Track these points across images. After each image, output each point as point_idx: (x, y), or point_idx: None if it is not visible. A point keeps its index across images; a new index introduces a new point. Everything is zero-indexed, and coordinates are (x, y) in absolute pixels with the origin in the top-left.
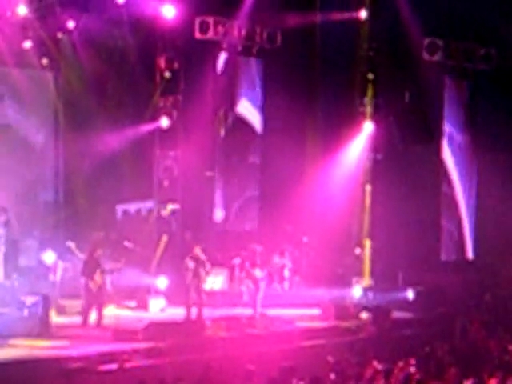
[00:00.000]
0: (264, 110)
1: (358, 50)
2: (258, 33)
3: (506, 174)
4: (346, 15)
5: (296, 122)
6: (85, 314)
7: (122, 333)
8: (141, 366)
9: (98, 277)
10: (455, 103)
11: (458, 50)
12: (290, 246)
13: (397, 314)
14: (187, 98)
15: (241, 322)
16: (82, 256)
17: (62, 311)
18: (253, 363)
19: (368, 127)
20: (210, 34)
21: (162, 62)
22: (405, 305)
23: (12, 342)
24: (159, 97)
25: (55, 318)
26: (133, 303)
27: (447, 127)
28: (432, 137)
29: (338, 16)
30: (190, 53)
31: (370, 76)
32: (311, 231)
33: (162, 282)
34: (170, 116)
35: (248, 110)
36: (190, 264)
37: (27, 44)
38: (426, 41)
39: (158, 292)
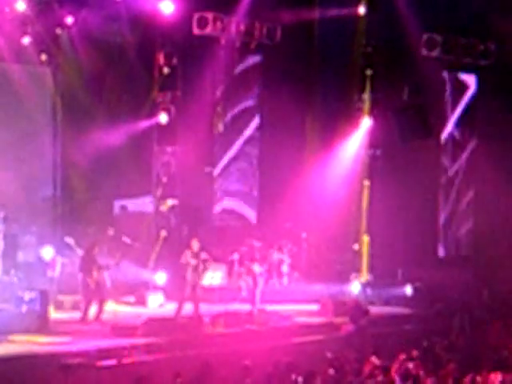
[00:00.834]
0: (262, 105)
1: (356, 46)
2: (257, 29)
3: (505, 169)
4: (345, 11)
5: (294, 118)
6: (84, 310)
7: (120, 328)
8: (139, 362)
9: (95, 273)
10: (454, 99)
11: (457, 45)
12: (288, 241)
13: (395, 310)
14: (186, 93)
15: (239, 318)
16: (80, 252)
17: (60, 307)
18: (251, 359)
19: (366, 123)
20: (209, 30)
21: (160, 58)
22: (403, 301)
23: (10, 337)
24: (158, 92)
25: (53, 314)
26: (131, 299)
27: (446, 123)
28: (430, 132)
29: (336, 12)
30: (189, 49)
31: (369, 72)
32: (310, 227)
33: (161, 278)
34: (168, 112)
35: (246, 106)
36: (190, 258)
37: (26, 40)
38: (425, 36)
39: (156, 288)
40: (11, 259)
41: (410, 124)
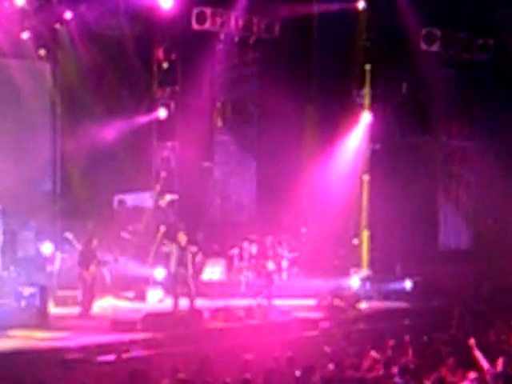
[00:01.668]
0: (261, 100)
1: (355, 41)
2: (256, 23)
3: (503, 163)
4: (344, 6)
5: (294, 113)
6: (83, 304)
7: (119, 324)
8: (139, 357)
9: (93, 268)
10: (453, 93)
11: (456, 40)
12: (288, 236)
13: (395, 305)
14: (185, 88)
15: (239, 313)
16: (79, 247)
17: (59, 302)
18: (251, 354)
19: (366, 118)
20: (208, 25)
21: (159, 53)
22: (403, 295)
23: (10, 332)
24: (157, 88)
25: (53, 309)
26: (131, 294)
27: (445, 117)
28: (430, 127)
29: (335, 6)
30: (188, 44)
31: (368, 66)
32: (309, 222)
33: (160, 273)
34: (167, 107)
35: (246, 100)
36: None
37: (25, 35)
38: (424, 31)
39: (155, 283)
40: (10, 254)
41: (409, 119)
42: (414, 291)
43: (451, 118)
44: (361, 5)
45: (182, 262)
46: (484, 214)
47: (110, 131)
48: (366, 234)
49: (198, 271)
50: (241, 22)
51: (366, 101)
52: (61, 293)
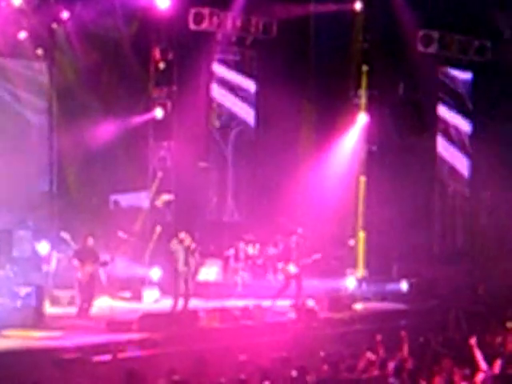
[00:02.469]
0: (258, 101)
1: (352, 42)
2: (253, 24)
3: (500, 164)
4: (341, 6)
5: (290, 114)
6: (79, 304)
7: (115, 324)
8: (135, 357)
9: (88, 267)
10: (450, 95)
11: (453, 41)
12: (284, 237)
13: (391, 306)
14: (181, 88)
15: (234, 314)
16: (75, 246)
17: (55, 302)
18: (246, 354)
19: (362, 119)
20: (205, 25)
21: (156, 53)
22: (399, 296)
23: (6, 332)
24: (153, 87)
25: (49, 309)
26: (127, 294)
27: (442, 119)
28: (426, 128)
29: (332, 7)
30: (185, 44)
31: (365, 68)
32: (305, 222)
33: (156, 273)
34: (164, 107)
35: (242, 100)
36: (177, 247)
37: (22, 34)
38: (421, 33)
39: (151, 283)
40: (6, 254)
41: (406, 120)
42: (410, 292)
43: (448, 119)
44: (358, 6)
45: (187, 263)
46: (480, 215)
47: (107, 131)
48: (362, 234)
49: (195, 272)
50: (238, 23)
51: (363, 102)
52: (57, 292)
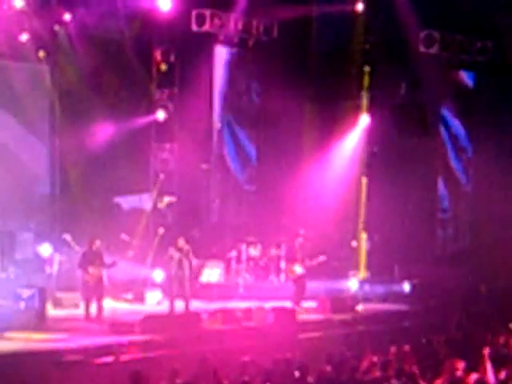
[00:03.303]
0: (260, 102)
1: (354, 43)
2: (255, 25)
3: (502, 165)
4: (343, 7)
5: (292, 115)
6: (85, 308)
7: (118, 325)
8: (137, 359)
9: (94, 269)
10: (452, 95)
11: (455, 42)
12: (286, 238)
13: (393, 307)
14: (183, 90)
15: (237, 315)
16: (78, 248)
17: (58, 304)
18: (249, 356)
19: (364, 120)
20: (207, 27)
21: (158, 55)
22: (401, 297)
23: (8, 334)
24: (155, 89)
25: (51, 311)
26: (129, 296)
27: (443, 119)
28: (428, 129)
29: (334, 8)
30: (187, 45)
31: (367, 68)
32: (307, 224)
33: (159, 275)
34: (166, 109)
35: (244, 102)
36: (174, 254)
37: (24, 37)
38: (423, 33)
39: (154, 285)
40: (9, 256)
41: (408, 121)
42: (412, 293)
43: (450, 120)
44: (359, 7)
45: (181, 265)
46: (482, 216)
47: (109, 133)
48: (364, 236)
49: (197, 273)
50: (240, 24)
51: (365, 103)
52: (59, 295)
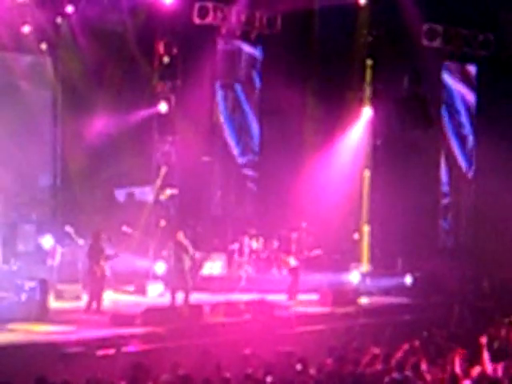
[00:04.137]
0: (262, 95)
1: (357, 36)
2: (257, 18)
3: (504, 158)
4: (345, 1)
5: (294, 108)
6: (88, 299)
7: (119, 318)
8: (138, 351)
9: (102, 262)
10: (454, 89)
11: (457, 35)
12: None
13: (395, 300)
14: (185, 83)
15: (239, 308)
16: (80, 241)
17: (59, 296)
18: (251, 348)
19: (367, 113)
20: (209, 19)
21: (160, 47)
22: (403, 290)
23: (10, 326)
24: (157, 82)
25: (53, 303)
26: (131, 288)
27: (446, 113)
28: (431, 122)
29: (337, 1)
30: (189, 38)
31: (369, 62)
32: (310, 216)
33: (160, 267)
34: (168, 101)
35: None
36: (173, 248)
37: (26, 29)
38: (425, 26)
39: (156, 277)
40: (11, 248)
41: (410, 114)
42: (414, 287)
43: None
44: (362, 0)
45: (179, 258)
46: (485, 209)
47: (111, 125)
48: (366, 229)
49: (199, 266)
50: (242, 17)
51: (367, 95)
52: (61, 287)
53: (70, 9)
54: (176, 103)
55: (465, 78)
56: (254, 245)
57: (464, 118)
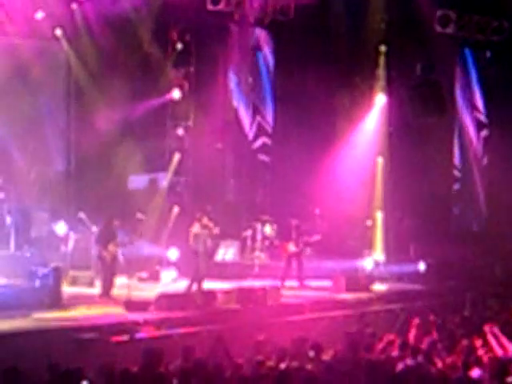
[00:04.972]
0: (276, 82)
1: (370, 22)
2: (271, 4)
3: None
4: None
5: (306, 95)
6: (102, 285)
7: (133, 304)
8: (152, 337)
9: (111, 247)
10: (468, 75)
11: (471, 22)
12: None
13: (408, 286)
14: (199, 69)
15: (252, 294)
16: (93, 227)
17: (73, 282)
18: (264, 335)
19: (380, 100)
20: (222, 6)
21: (174, 34)
22: (416, 277)
23: (23, 312)
24: (171, 68)
25: (66, 289)
26: (144, 274)
27: (460, 100)
28: (444, 109)
29: None
30: (202, 24)
31: (383, 48)
32: (323, 203)
33: (174, 254)
34: (181, 88)
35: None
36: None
37: (39, 15)
38: (439, 13)
39: (169, 263)
40: (24, 234)
41: (423, 101)
42: (427, 273)
43: (466, 100)
44: None
45: (205, 245)
46: (498, 195)
47: (125, 111)
48: (379, 215)
49: (212, 252)
50: (255, 3)
51: (381, 83)
52: (74, 273)
53: None
54: (189, 90)
55: (479, 65)
56: (268, 231)
57: (478, 104)
